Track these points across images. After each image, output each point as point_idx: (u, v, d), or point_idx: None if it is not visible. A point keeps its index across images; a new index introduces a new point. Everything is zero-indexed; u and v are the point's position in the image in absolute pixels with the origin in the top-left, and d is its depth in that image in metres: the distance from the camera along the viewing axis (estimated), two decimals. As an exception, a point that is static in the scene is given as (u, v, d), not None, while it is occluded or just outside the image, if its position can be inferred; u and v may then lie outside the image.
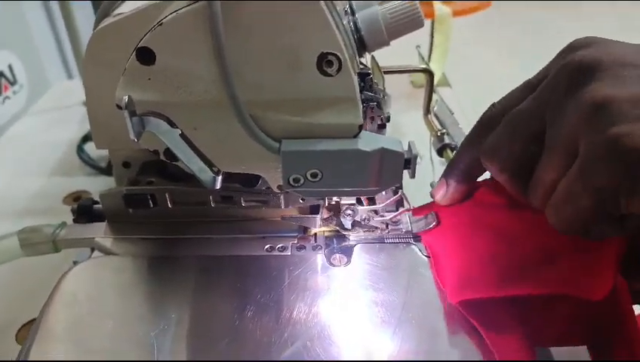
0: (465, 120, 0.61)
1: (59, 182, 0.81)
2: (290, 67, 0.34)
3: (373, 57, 0.52)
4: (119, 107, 0.35)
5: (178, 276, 0.43)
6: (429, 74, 0.57)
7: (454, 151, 0.53)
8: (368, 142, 0.36)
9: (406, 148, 0.38)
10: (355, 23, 0.44)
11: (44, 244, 0.47)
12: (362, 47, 0.46)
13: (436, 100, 0.61)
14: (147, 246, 0.46)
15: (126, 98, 0.34)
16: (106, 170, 0.79)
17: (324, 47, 0.34)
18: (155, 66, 0.34)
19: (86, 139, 0.88)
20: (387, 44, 0.47)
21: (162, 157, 0.38)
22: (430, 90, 0.58)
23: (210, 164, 0.38)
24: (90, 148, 0.87)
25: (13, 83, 1.13)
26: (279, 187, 0.39)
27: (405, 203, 0.44)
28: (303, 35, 0.33)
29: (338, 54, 0.34)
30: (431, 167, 0.56)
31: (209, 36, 0.33)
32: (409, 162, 0.37)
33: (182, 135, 0.37)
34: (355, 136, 0.36)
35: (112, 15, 0.42)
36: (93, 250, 0.47)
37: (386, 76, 0.47)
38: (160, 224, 0.47)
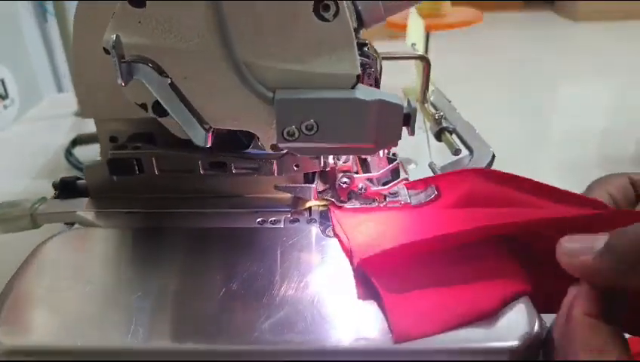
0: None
1: (44, 184, 0.79)
2: (286, 10, 0.33)
3: (370, 43, 0.52)
4: (106, 51, 0.33)
5: (164, 246, 0.40)
6: (426, 61, 0.56)
7: (452, 135, 0.51)
8: (366, 93, 0.35)
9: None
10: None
11: (22, 219, 0.45)
12: (359, 23, 0.46)
13: (432, 90, 0.60)
14: (132, 219, 0.43)
15: (113, 37, 0.32)
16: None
17: (321, -11, 0.33)
18: (146, 9, 0.33)
19: (75, 142, 0.86)
20: (384, 19, 0.46)
21: (150, 111, 0.36)
22: (427, 78, 0.57)
23: (200, 120, 0.37)
24: (78, 152, 0.86)
25: (4, 97, 1.12)
26: (273, 147, 0.38)
27: (402, 172, 0.43)
28: (300, -24, 0.32)
29: (336, -3, 0.33)
30: (427, 152, 0.55)
31: (203, -23, 0.32)
32: (408, 117, 0.36)
33: (171, 85, 0.35)
34: (353, 87, 0.35)
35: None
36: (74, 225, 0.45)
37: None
38: (146, 200, 0.45)
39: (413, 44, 0.69)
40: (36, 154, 0.86)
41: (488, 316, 0.32)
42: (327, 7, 0.33)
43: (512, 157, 1.85)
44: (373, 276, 0.35)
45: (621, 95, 2.47)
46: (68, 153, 0.83)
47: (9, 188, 0.76)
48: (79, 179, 0.48)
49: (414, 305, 0.33)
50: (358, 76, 0.35)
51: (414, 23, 0.90)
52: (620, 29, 3.42)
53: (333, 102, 0.34)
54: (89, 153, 0.84)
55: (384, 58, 0.50)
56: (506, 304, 0.33)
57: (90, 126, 0.75)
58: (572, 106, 2.33)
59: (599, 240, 0.28)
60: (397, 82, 0.64)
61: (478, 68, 2.66)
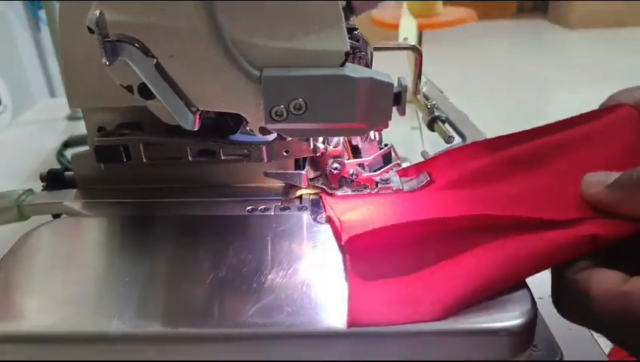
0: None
1: (35, 186, 0.78)
2: (273, -14, 0.33)
3: (360, 32, 0.52)
4: (90, 30, 0.33)
5: (152, 234, 0.40)
6: (418, 52, 0.56)
7: (445, 124, 0.51)
8: (356, 70, 0.34)
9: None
10: (341, -15, 0.44)
11: (8, 211, 0.44)
12: (350, 10, 0.45)
13: (425, 81, 0.60)
14: (121, 209, 0.43)
15: (97, 14, 0.32)
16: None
17: (308, -36, 0.32)
18: (131, -14, 0.33)
19: (67, 144, 0.86)
20: (375, 6, 0.46)
21: (136, 93, 0.36)
22: (419, 69, 0.57)
23: (187, 102, 0.36)
24: (70, 153, 0.85)
25: (-3, 104, 1.11)
26: (261, 129, 0.37)
27: (394, 158, 0.42)
28: (286, -49, 0.32)
29: (323, -28, 0.32)
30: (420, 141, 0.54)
31: (188, -48, 0.31)
32: (399, 96, 0.35)
33: (157, 65, 0.34)
34: (342, 65, 0.34)
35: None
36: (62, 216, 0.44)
37: None
38: (135, 190, 0.44)
39: (405, 38, 0.69)
40: (28, 157, 0.85)
41: (454, 313, 0.31)
42: (314, -16, 0.33)
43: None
44: (351, 257, 0.34)
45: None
46: (60, 155, 0.82)
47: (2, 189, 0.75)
48: (67, 170, 0.47)
49: (378, 292, 0.32)
50: (347, 53, 0.34)
51: (407, 22, 0.90)
52: (613, 36, 3.44)
53: (322, 80, 0.34)
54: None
55: (375, 49, 0.50)
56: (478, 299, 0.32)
57: (81, 128, 0.74)
58: (565, 114, 2.33)
59: (613, 176, 0.33)
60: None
61: (471, 75, 2.67)
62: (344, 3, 0.36)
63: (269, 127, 0.36)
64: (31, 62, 1.34)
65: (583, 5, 3.57)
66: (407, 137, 0.73)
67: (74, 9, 0.40)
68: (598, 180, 0.34)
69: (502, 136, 0.42)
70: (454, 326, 0.31)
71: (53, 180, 0.46)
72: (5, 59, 1.19)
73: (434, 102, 0.52)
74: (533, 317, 0.31)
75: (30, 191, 0.45)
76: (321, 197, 0.42)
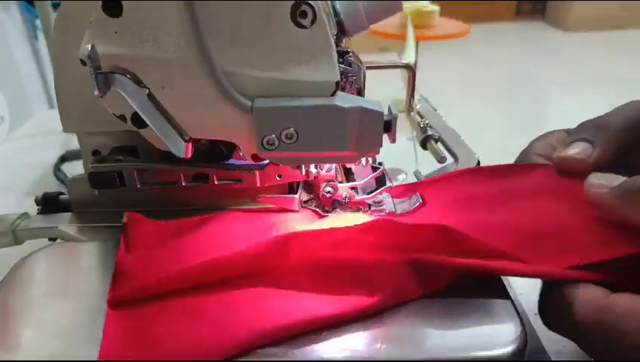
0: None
1: (33, 201, 0.78)
2: (263, 18, 0.33)
3: (353, 52, 0.52)
4: (83, 62, 0.33)
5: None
6: (411, 70, 0.56)
7: (438, 143, 0.51)
8: (346, 100, 0.35)
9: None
10: (334, 8, 0.44)
11: (3, 235, 0.44)
12: (342, 32, 0.45)
13: (419, 98, 0.60)
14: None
15: (89, 48, 0.32)
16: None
17: (297, -4, 0.32)
18: (123, 18, 0.33)
19: (64, 159, 0.86)
20: (366, 27, 0.46)
21: (129, 123, 0.36)
22: (412, 86, 0.57)
23: (179, 131, 0.36)
24: (67, 168, 0.85)
25: (-6, 116, 1.12)
26: (254, 157, 0.37)
27: (387, 181, 0.42)
28: (276, -17, 0.32)
29: (312, 4, 0.33)
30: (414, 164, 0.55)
31: (179, -15, 0.31)
32: (389, 124, 0.36)
33: (149, 95, 0.35)
34: (332, 94, 0.35)
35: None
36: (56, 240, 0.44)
37: None
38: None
39: (400, 55, 0.70)
40: (26, 171, 0.86)
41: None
42: (304, 14, 0.33)
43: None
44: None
45: (612, 106, 2.48)
46: (56, 169, 0.83)
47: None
48: (62, 194, 0.47)
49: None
50: (337, 83, 0.34)
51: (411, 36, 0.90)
52: (610, 39, 3.44)
53: (313, 110, 0.34)
54: (78, 169, 0.83)
55: (368, 67, 0.50)
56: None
57: (79, 142, 0.75)
58: (562, 117, 2.34)
59: (618, 180, 0.34)
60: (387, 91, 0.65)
61: (468, 78, 2.68)
62: (335, 30, 0.37)
63: (262, 155, 0.36)
64: (29, 72, 1.34)
65: (580, 8, 3.57)
66: (404, 148, 0.72)
67: (67, 34, 0.40)
68: (602, 182, 0.35)
69: (490, 167, 0.43)
70: (444, 356, 0.31)
71: (48, 204, 0.46)
72: (2, 69, 1.19)
73: (427, 121, 0.52)
74: (523, 344, 0.32)
75: (25, 214, 0.45)
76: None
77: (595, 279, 0.32)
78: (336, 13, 0.44)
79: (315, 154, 0.36)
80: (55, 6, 1.28)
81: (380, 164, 0.47)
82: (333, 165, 0.42)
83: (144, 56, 0.34)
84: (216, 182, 0.42)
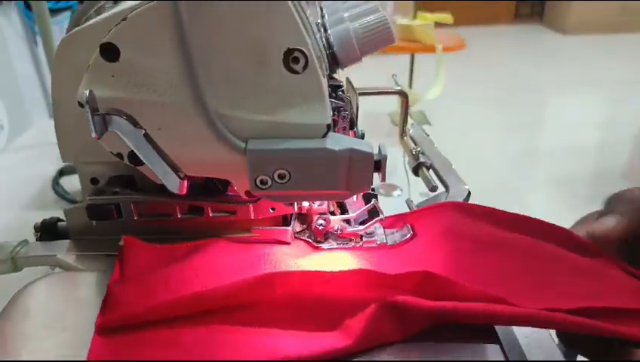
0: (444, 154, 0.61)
1: (33, 215, 0.79)
2: (257, 64, 0.34)
3: (347, 78, 0.53)
4: (81, 104, 0.34)
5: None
6: (404, 96, 0.57)
7: (429, 170, 0.52)
8: (337, 142, 0.35)
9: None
10: (327, 40, 0.45)
11: (3, 262, 0.45)
12: (335, 63, 0.46)
13: (412, 123, 0.61)
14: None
15: (87, 92, 0.33)
16: (81, 203, 0.78)
17: (290, 43, 0.33)
18: (119, 63, 0.34)
19: (62, 173, 0.87)
20: (359, 60, 0.47)
21: (126, 160, 0.37)
22: (405, 112, 0.58)
23: (175, 168, 0.37)
24: (65, 182, 0.86)
25: (-7, 123, 1.12)
26: (247, 193, 0.38)
27: (379, 213, 0.43)
28: (269, 31, 0.33)
29: (304, 50, 0.33)
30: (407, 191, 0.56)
31: (174, 32, 0.32)
32: (379, 164, 0.37)
33: (146, 135, 0.36)
34: (324, 136, 0.35)
35: (82, 24, 0.42)
36: (55, 268, 0.45)
37: (367, 116, 0.47)
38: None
39: (394, 75, 0.70)
40: (25, 184, 0.87)
41: None
42: (296, 60, 0.34)
43: (501, 171, 1.86)
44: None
45: (610, 109, 2.49)
46: (55, 183, 0.84)
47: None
48: (60, 220, 0.48)
49: None
50: (328, 126, 0.35)
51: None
52: (608, 42, 3.46)
53: (305, 152, 0.35)
54: (76, 182, 0.84)
55: (361, 94, 0.51)
56: None
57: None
58: (561, 120, 2.35)
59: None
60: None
61: (468, 80, 2.68)
62: (326, 78, 0.37)
63: (255, 193, 0.37)
64: (28, 79, 1.34)
65: (578, 11, 3.59)
66: (399, 162, 0.74)
67: (67, 68, 0.41)
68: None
69: (478, 207, 0.44)
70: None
71: (47, 231, 0.47)
72: (1, 76, 1.19)
73: (419, 149, 0.53)
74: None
75: (25, 242, 0.46)
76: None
77: (585, 326, 0.33)
78: (329, 45, 0.45)
79: (307, 193, 0.37)
80: (52, 11, 1.28)
81: (373, 190, 0.48)
82: (326, 198, 0.43)
83: (140, 99, 0.35)
84: (210, 215, 0.43)
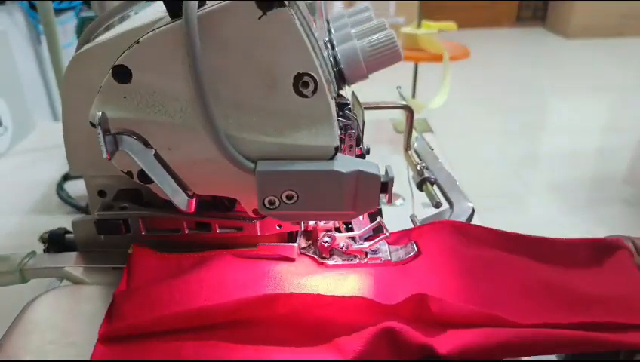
0: (447, 163, 0.62)
1: (36, 221, 0.80)
2: (267, 88, 0.34)
3: (353, 93, 0.53)
4: (93, 125, 0.34)
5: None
6: (409, 110, 0.58)
7: (434, 186, 0.53)
8: (344, 164, 0.36)
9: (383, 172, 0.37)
10: (334, 57, 0.45)
11: (10, 274, 0.46)
12: (342, 80, 0.47)
13: (416, 137, 0.61)
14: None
15: (99, 114, 0.33)
16: (86, 209, 0.78)
17: (300, 68, 0.34)
18: (131, 85, 0.34)
19: (66, 177, 0.87)
20: (366, 77, 0.47)
21: (136, 178, 0.37)
22: (410, 126, 0.58)
23: (184, 187, 0.38)
24: (70, 186, 0.86)
25: (-3, 125, 1.12)
26: (254, 211, 0.39)
27: (384, 231, 0.44)
28: (279, 56, 0.34)
29: (314, 75, 0.34)
30: (411, 203, 0.56)
31: (186, 55, 0.33)
32: (386, 185, 0.37)
33: (156, 155, 0.36)
34: (332, 158, 0.36)
35: (92, 41, 0.42)
36: (62, 280, 0.46)
37: (370, 124, 0.47)
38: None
39: (399, 87, 0.71)
40: (29, 189, 0.87)
41: None
42: (306, 84, 0.34)
43: (502, 175, 1.87)
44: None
45: (612, 113, 2.50)
46: (59, 188, 0.84)
47: (2, 224, 0.76)
48: (68, 232, 0.49)
49: None
50: (336, 148, 0.36)
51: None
52: (611, 46, 3.46)
53: (312, 174, 0.35)
54: (80, 187, 0.84)
55: (367, 108, 0.52)
56: None
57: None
58: (563, 124, 2.35)
59: None
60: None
61: (470, 83, 2.69)
62: (334, 100, 0.38)
63: (262, 212, 0.37)
64: (32, 80, 1.34)
65: (581, 15, 3.59)
66: (402, 169, 0.74)
67: (77, 84, 0.42)
68: None
69: (482, 229, 0.44)
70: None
71: (54, 242, 0.48)
72: (4, 77, 1.19)
73: (423, 164, 0.54)
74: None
75: (32, 253, 0.47)
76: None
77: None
78: (336, 62, 0.45)
79: (314, 213, 0.38)
80: (57, 11, 1.29)
81: (377, 217, 0.48)
82: (332, 215, 0.44)
83: (151, 120, 0.35)
84: (217, 231, 0.43)
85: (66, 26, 1.48)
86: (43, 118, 1.27)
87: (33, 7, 1.39)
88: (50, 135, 1.08)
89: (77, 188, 0.85)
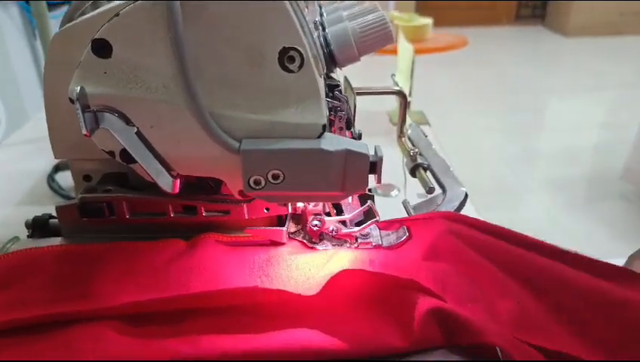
0: (444, 155, 0.61)
1: (27, 211, 0.78)
2: (251, 62, 0.33)
3: (345, 78, 0.52)
4: (71, 100, 0.33)
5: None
6: (403, 96, 0.57)
7: (427, 171, 0.52)
8: (332, 143, 0.35)
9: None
10: (325, 38, 0.44)
11: (-7, 259, 0.44)
12: (333, 62, 0.46)
13: (410, 124, 0.60)
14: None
15: (78, 89, 0.32)
16: (77, 200, 0.77)
17: (285, 42, 0.33)
18: (112, 60, 0.33)
19: (57, 168, 0.86)
20: (357, 59, 0.46)
21: (118, 158, 0.36)
22: (404, 112, 0.57)
23: (168, 167, 0.37)
24: (61, 177, 0.85)
25: (-11, 116, 1.11)
26: (240, 193, 0.38)
27: (375, 215, 0.43)
28: (264, 29, 0.33)
29: (300, 49, 0.33)
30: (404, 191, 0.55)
31: (167, 30, 0.32)
32: (375, 165, 0.36)
33: (138, 133, 0.35)
34: (319, 136, 0.35)
35: (75, 20, 0.41)
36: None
37: (365, 114, 0.47)
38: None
39: (393, 75, 0.70)
40: (20, 180, 0.86)
41: None
42: (292, 59, 0.33)
43: (500, 171, 1.86)
44: None
45: (611, 110, 2.49)
46: (50, 179, 0.83)
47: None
48: (52, 217, 0.48)
49: None
50: (324, 126, 0.35)
51: (403, 48, 0.91)
52: (610, 45, 3.45)
53: (299, 153, 0.34)
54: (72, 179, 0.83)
55: (359, 93, 0.51)
56: None
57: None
58: (561, 122, 2.34)
59: None
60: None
61: (467, 81, 2.68)
62: (323, 77, 0.37)
63: (248, 193, 0.36)
64: (26, 73, 1.33)
65: (580, 13, 3.58)
66: (397, 160, 0.73)
67: (59, 63, 0.40)
68: None
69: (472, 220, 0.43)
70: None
71: (39, 228, 0.47)
72: (-1, 71, 1.19)
73: (417, 150, 0.53)
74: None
75: (16, 238, 0.46)
76: None
77: None
78: (327, 44, 0.44)
79: (301, 194, 0.37)
80: (50, 6, 1.28)
81: (370, 190, 0.47)
82: (321, 199, 0.43)
83: (133, 96, 0.34)
84: (204, 214, 0.42)
85: (60, 20, 1.47)
86: (36, 110, 1.26)
87: (28, 1, 1.39)
88: (42, 127, 1.07)
89: (68, 179, 0.84)
